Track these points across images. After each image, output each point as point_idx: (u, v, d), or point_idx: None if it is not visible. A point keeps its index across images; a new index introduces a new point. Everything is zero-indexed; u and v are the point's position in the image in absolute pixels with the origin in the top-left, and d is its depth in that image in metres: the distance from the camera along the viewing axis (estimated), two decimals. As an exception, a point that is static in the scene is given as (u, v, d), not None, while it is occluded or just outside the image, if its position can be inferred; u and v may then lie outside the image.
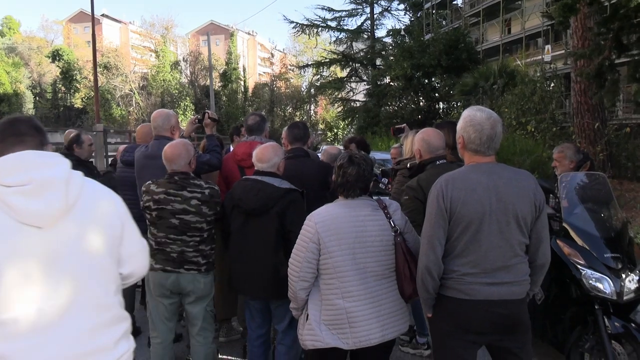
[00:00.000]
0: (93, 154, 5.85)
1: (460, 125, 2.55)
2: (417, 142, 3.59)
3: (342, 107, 33.92)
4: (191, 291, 3.49)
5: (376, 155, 8.55)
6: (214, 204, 3.51)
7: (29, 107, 42.79)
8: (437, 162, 3.44)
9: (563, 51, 22.86)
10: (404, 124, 5.05)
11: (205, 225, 3.48)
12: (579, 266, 3.65)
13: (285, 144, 4.15)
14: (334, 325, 2.66)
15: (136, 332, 4.89)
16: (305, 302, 2.80)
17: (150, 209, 3.45)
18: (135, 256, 2.00)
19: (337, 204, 2.79)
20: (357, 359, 2.83)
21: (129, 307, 4.79)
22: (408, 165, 4.16)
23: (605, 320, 3.50)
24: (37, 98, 46.80)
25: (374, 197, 2.90)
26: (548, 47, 25.61)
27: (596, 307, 3.54)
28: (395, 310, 2.74)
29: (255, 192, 3.28)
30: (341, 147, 5.90)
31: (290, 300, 2.91)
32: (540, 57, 25.38)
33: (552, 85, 15.19)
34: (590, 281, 3.56)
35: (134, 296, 4.88)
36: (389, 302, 2.71)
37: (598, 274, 3.55)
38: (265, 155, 3.40)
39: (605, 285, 3.50)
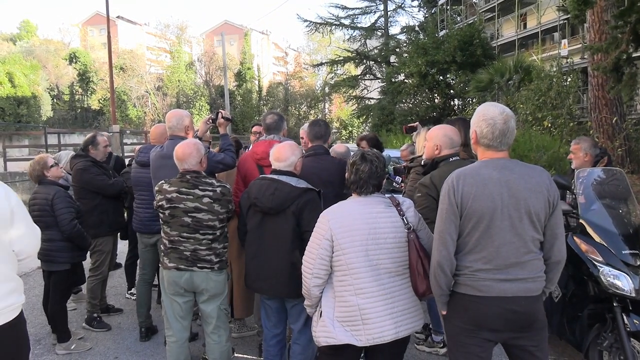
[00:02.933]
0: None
1: (473, 120, 2.56)
2: (437, 138, 3.55)
3: (356, 105, 33.83)
4: (204, 289, 3.52)
5: (391, 153, 8.50)
6: (226, 202, 3.54)
7: (46, 109, 43.23)
8: (451, 159, 3.42)
9: (580, 45, 22.61)
10: (417, 123, 5.03)
11: (218, 223, 3.51)
12: (596, 263, 3.61)
13: (305, 142, 4.16)
14: (347, 322, 2.66)
15: (153, 331, 4.94)
16: (318, 299, 2.81)
17: (163, 208, 3.50)
18: (22, 237, 2.47)
19: (351, 201, 2.81)
20: (372, 356, 2.83)
21: (146, 306, 4.85)
22: (422, 162, 4.14)
23: (624, 317, 3.45)
24: (55, 100, 47.29)
25: (387, 195, 2.90)
26: (564, 41, 25.35)
27: (614, 304, 3.50)
28: (409, 308, 2.73)
29: (271, 191, 3.28)
30: (350, 146, 5.90)
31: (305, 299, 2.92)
32: (556, 51, 25.10)
33: (569, 80, 14.99)
34: (609, 278, 3.51)
35: (150, 295, 4.92)
36: (402, 300, 2.71)
37: (616, 271, 3.50)
38: (283, 154, 3.41)
39: (623, 282, 3.46)
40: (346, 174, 2.87)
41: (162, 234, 3.60)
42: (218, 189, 3.52)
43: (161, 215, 3.55)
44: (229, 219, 3.69)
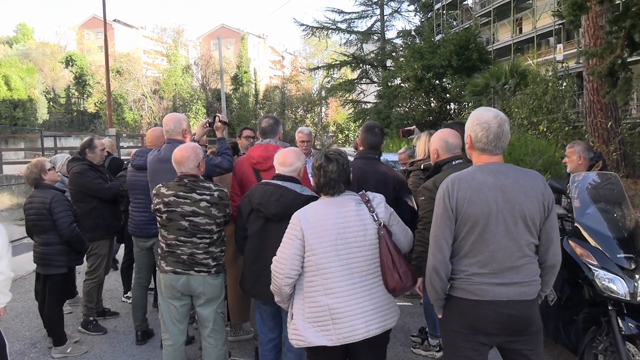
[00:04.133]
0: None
1: (467, 124, 2.57)
2: (434, 142, 3.59)
3: (353, 109, 33.84)
4: (201, 293, 3.53)
5: (388, 157, 8.51)
6: (223, 206, 3.55)
7: (42, 112, 43.04)
8: (454, 163, 3.44)
9: (575, 50, 22.72)
10: (413, 126, 5.06)
11: (215, 227, 3.52)
12: (591, 267, 3.63)
13: (357, 144, 4.16)
14: (317, 322, 2.68)
15: (149, 334, 4.94)
16: (289, 296, 2.82)
17: (160, 212, 3.50)
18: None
19: (322, 202, 2.84)
20: (353, 355, 2.83)
21: (142, 309, 4.85)
22: (422, 166, 4.16)
23: (619, 321, 3.46)
24: (51, 103, 47.08)
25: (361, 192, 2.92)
26: (560, 46, 25.43)
27: (609, 308, 3.51)
28: (382, 306, 2.75)
29: (276, 197, 3.25)
30: (347, 149, 5.90)
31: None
32: (552, 56, 25.21)
33: (564, 84, 15.06)
34: (603, 282, 3.53)
35: (146, 299, 4.92)
36: (374, 298, 2.73)
37: (611, 275, 3.52)
38: (288, 159, 3.39)
39: (618, 286, 3.47)
40: (313, 179, 2.88)
41: (160, 238, 3.60)
42: (215, 193, 3.52)
43: (158, 218, 3.55)
44: (226, 222, 3.70)
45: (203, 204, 3.47)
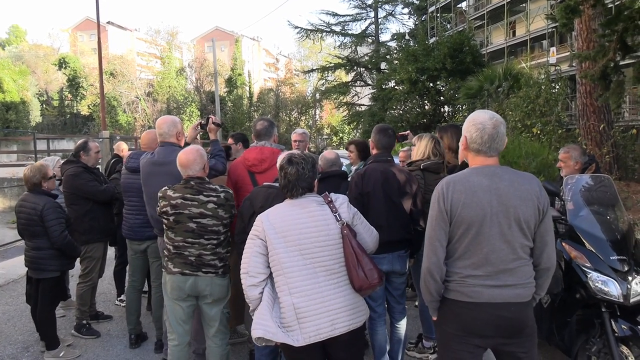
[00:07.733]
0: (99, 161, 5.91)
1: (464, 126, 2.58)
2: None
3: (347, 111, 33.92)
4: (209, 294, 3.56)
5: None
6: (229, 207, 3.60)
7: (35, 114, 42.99)
8: None
9: (568, 53, 22.85)
10: (408, 131, 5.07)
11: (222, 228, 3.56)
12: (585, 269, 3.64)
13: (371, 147, 4.13)
14: (284, 322, 2.69)
15: (142, 337, 4.92)
16: (258, 300, 2.81)
17: (167, 214, 3.52)
18: None
19: (284, 204, 2.88)
20: (329, 355, 2.84)
21: (135, 312, 4.83)
22: (421, 166, 4.16)
23: (612, 323, 3.48)
24: (44, 105, 47.02)
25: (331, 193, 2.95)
26: (553, 49, 25.58)
27: (603, 309, 3.53)
28: (348, 305, 2.76)
29: (279, 200, 3.26)
30: (340, 152, 5.87)
31: None
32: (545, 59, 25.35)
33: (558, 87, 15.13)
34: (597, 284, 3.54)
35: (140, 302, 4.89)
36: (341, 297, 2.75)
37: (604, 277, 3.53)
38: None
39: (611, 288, 3.49)
40: (279, 180, 2.92)
41: (166, 240, 3.61)
42: (222, 195, 3.55)
43: (165, 221, 3.57)
44: (231, 223, 3.71)
45: (210, 205, 3.49)
